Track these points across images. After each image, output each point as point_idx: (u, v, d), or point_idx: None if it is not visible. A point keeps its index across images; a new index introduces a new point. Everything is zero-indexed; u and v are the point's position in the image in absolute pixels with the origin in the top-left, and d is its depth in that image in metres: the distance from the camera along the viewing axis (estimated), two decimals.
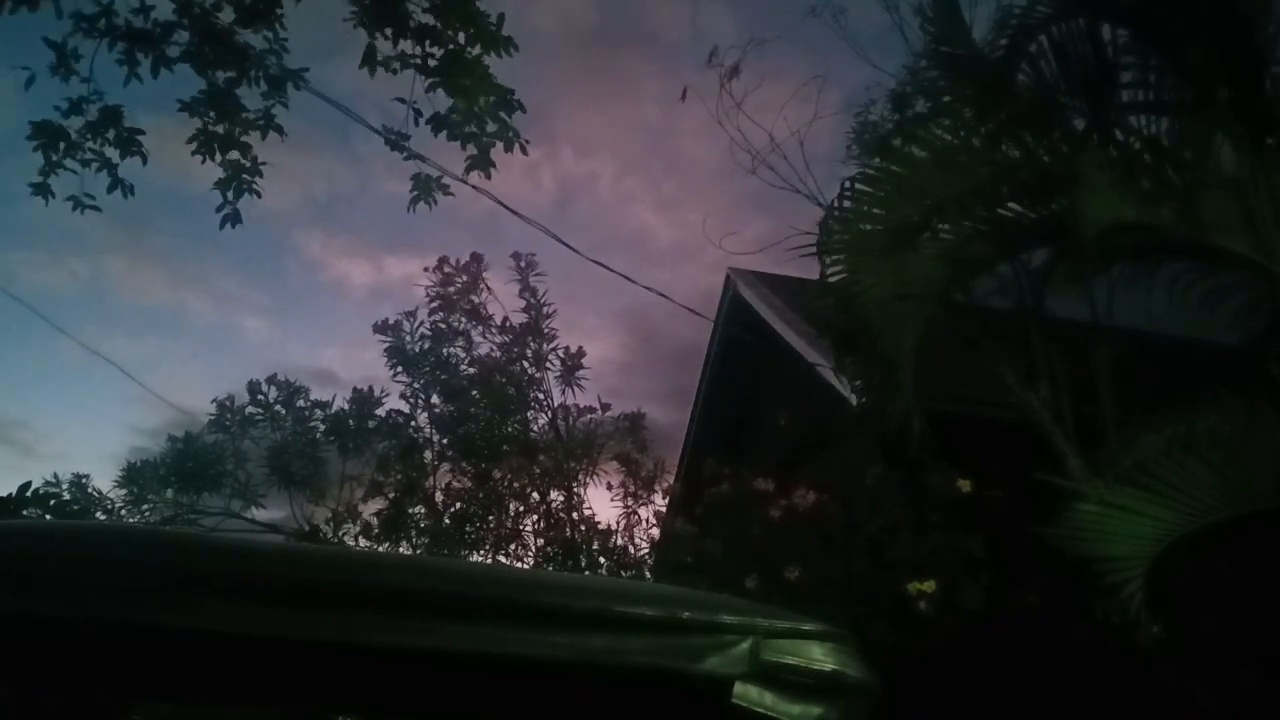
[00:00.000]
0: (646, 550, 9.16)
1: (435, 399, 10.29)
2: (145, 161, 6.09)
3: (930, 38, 5.93)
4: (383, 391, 10.27)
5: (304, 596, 1.74)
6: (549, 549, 9.31)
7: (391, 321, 10.28)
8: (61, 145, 5.94)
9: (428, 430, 10.26)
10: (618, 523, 9.44)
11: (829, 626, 1.87)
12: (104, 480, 9.65)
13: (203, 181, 6.23)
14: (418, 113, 6.00)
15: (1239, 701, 5.02)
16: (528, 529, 9.68)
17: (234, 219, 6.19)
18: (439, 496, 9.70)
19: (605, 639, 1.78)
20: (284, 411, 10.16)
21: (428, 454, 10.13)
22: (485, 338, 10.45)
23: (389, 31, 5.76)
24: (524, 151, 6.03)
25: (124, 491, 9.58)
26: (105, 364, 11.17)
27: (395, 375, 10.26)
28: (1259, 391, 4.31)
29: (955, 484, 5.80)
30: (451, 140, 5.97)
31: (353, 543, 9.16)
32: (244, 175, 6.19)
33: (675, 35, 16.24)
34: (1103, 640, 5.07)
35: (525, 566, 9.23)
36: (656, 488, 9.57)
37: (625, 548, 9.29)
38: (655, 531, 9.29)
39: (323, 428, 10.16)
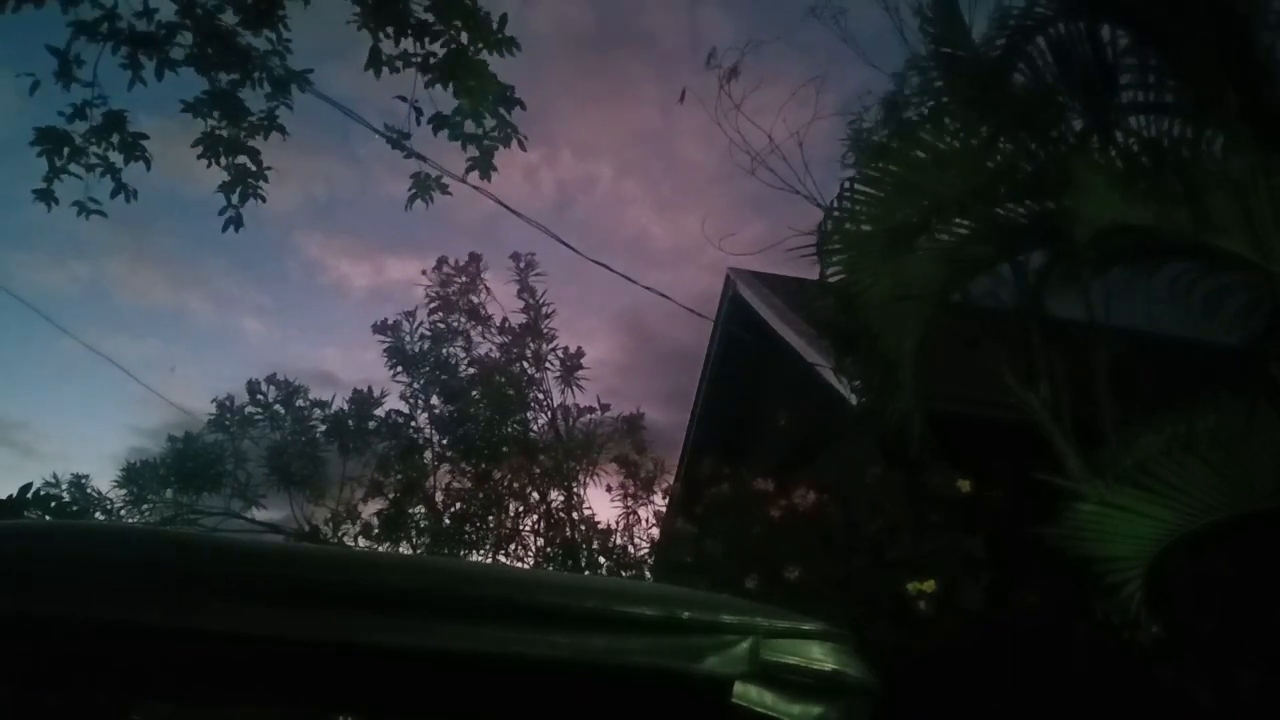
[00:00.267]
0: (646, 550, 9.17)
1: (435, 399, 10.30)
2: (149, 167, 6.09)
3: (930, 38, 5.93)
4: (382, 392, 10.31)
5: (304, 596, 1.74)
6: (549, 549, 9.31)
7: (391, 322, 10.31)
8: (65, 150, 5.93)
9: (427, 430, 10.28)
10: (617, 523, 9.46)
11: (829, 626, 1.87)
12: (104, 480, 9.68)
13: (204, 183, 6.24)
14: (419, 111, 6.01)
15: (1239, 701, 5.02)
16: (527, 529, 9.69)
17: (237, 222, 6.19)
18: (439, 496, 9.71)
19: (605, 639, 1.78)
20: (284, 411, 10.18)
21: (427, 454, 10.14)
22: (485, 338, 10.48)
23: (390, 30, 5.76)
24: (523, 148, 6.04)
25: (124, 492, 9.61)
26: (105, 364, 11.19)
27: (395, 375, 10.30)
28: (1259, 391, 4.30)
29: (955, 484, 5.80)
30: (453, 141, 5.98)
31: (353, 543, 9.17)
32: (249, 179, 6.19)
33: (674, 37, 16.26)
34: (1103, 640, 5.06)
35: (525, 566, 9.23)
36: (656, 488, 9.59)
37: (625, 548, 9.31)
38: (655, 531, 9.31)
39: (322, 428, 10.18)
